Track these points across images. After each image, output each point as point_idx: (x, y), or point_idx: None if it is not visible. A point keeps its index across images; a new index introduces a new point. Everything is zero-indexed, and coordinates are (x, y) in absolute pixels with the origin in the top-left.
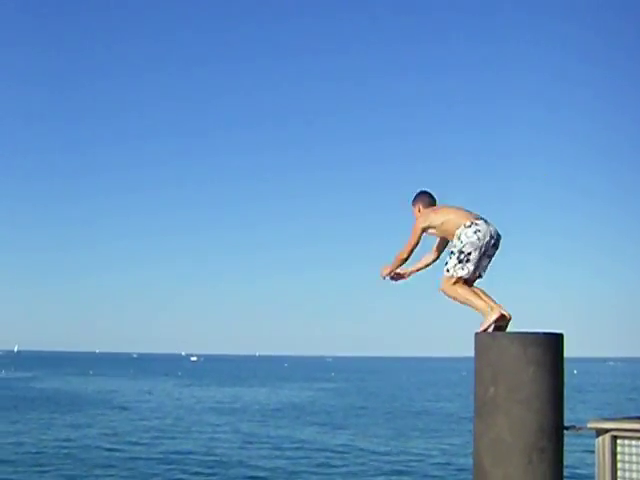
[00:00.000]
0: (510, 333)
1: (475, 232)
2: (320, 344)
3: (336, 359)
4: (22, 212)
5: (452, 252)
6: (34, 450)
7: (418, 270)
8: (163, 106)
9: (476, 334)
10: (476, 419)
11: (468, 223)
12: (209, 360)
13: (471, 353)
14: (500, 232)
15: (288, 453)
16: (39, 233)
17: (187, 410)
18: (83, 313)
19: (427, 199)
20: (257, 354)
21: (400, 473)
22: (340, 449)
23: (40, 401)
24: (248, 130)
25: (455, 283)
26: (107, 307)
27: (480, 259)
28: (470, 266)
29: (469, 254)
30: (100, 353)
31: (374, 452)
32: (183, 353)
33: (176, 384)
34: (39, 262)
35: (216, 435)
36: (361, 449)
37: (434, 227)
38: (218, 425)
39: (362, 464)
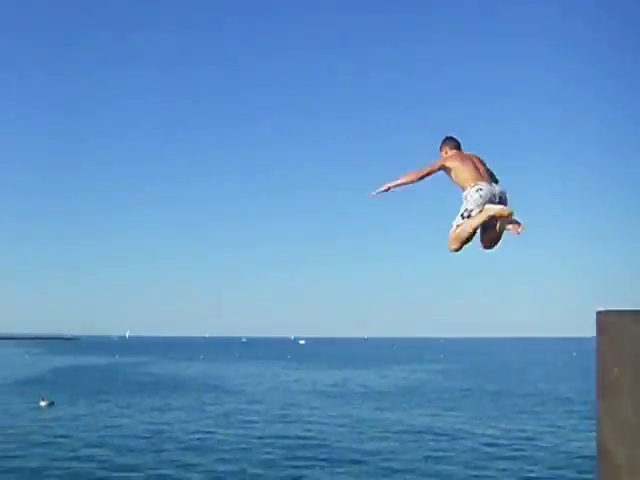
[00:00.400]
0: (634, 311)
1: (477, 191)
2: (430, 326)
3: (446, 340)
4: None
5: (461, 214)
6: (142, 434)
7: (398, 185)
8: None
9: (598, 313)
10: (599, 400)
11: (472, 184)
12: (318, 343)
13: (581, 333)
14: (506, 194)
15: (396, 436)
16: (139, 219)
17: (296, 393)
18: (191, 298)
19: (452, 143)
20: (366, 337)
21: (508, 458)
22: (448, 432)
23: (151, 385)
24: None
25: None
26: (215, 292)
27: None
28: (470, 211)
29: (471, 211)
30: (209, 338)
31: (483, 435)
32: (292, 336)
33: (285, 367)
34: (147, 251)
35: (324, 418)
36: (469, 432)
37: (449, 169)
38: (326, 408)
39: (470, 447)
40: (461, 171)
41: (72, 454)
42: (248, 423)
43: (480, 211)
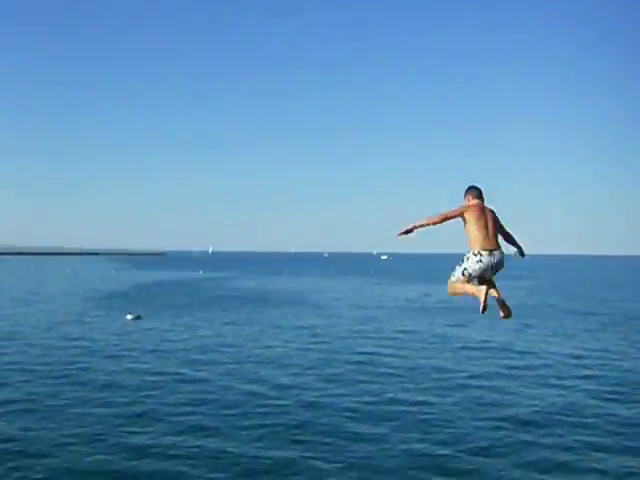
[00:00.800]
0: None
1: (477, 262)
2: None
3: (529, 257)
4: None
5: (461, 265)
6: (222, 348)
7: (422, 226)
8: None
9: None
10: None
11: (476, 252)
12: (400, 259)
13: None
14: (503, 260)
15: (475, 352)
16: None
17: (375, 308)
18: (274, 215)
19: (475, 192)
20: (448, 252)
21: (588, 377)
22: (527, 349)
23: (234, 299)
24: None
25: (454, 282)
26: (300, 209)
27: (481, 274)
28: (467, 275)
29: (470, 274)
30: (295, 253)
31: (562, 353)
32: (374, 252)
33: (367, 282)
34: (233, 167)
35: (403, 334)
36: (548, 350)
37: (464, 221)
38: (407, 324)
39: (549, 364)
40: (472, 230)
41: (155, 366)
42: (327, 337)
43: (475, 283)
